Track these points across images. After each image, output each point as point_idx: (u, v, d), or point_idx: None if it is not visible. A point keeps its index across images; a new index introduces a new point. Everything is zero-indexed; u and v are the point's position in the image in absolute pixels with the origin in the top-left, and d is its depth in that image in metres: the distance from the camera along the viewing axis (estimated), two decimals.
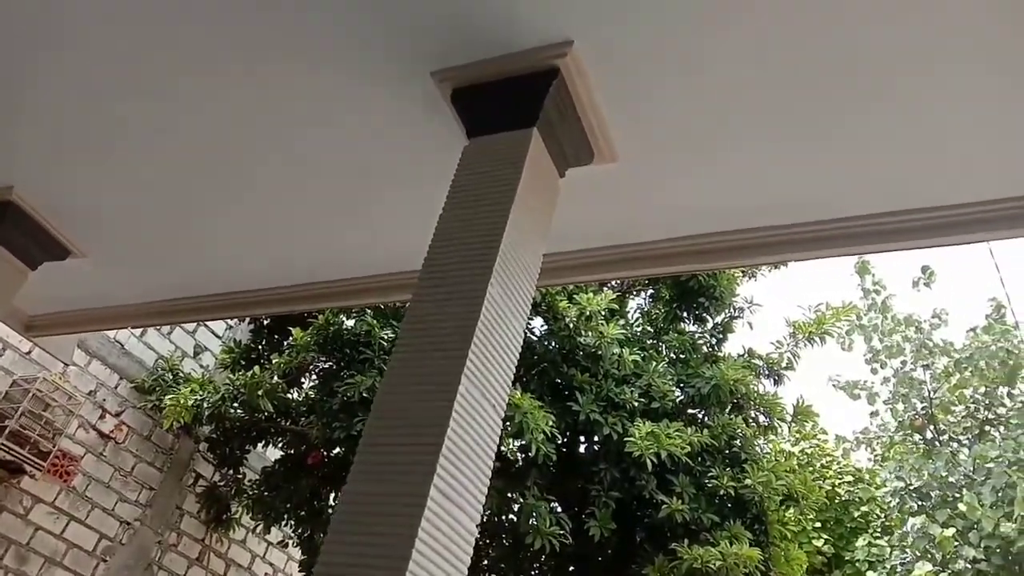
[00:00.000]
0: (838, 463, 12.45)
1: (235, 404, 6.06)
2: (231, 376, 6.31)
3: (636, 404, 5.37)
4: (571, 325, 5.49)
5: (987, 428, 10.69)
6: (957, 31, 1.67)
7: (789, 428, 6.73)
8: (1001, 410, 10.75)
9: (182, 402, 6.06)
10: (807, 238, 2.32)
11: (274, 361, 6.07)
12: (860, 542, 10.87)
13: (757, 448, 5.91)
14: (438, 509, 1.35)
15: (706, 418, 5.81)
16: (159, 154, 2.58)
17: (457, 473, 1.43)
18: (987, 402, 10.86)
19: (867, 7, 1.66)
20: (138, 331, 6.88)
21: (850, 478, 12.21)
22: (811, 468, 11.51)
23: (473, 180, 1.88)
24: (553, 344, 5.68)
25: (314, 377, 6.20)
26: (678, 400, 5.78)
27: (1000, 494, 8.99)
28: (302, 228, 2.88)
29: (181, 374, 6.91)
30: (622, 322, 6.03)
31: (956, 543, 9.02)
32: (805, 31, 1.73)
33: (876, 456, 12.52)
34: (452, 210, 1.85)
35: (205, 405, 6.06)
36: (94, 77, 2.30)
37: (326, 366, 5.99)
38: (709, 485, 5.33)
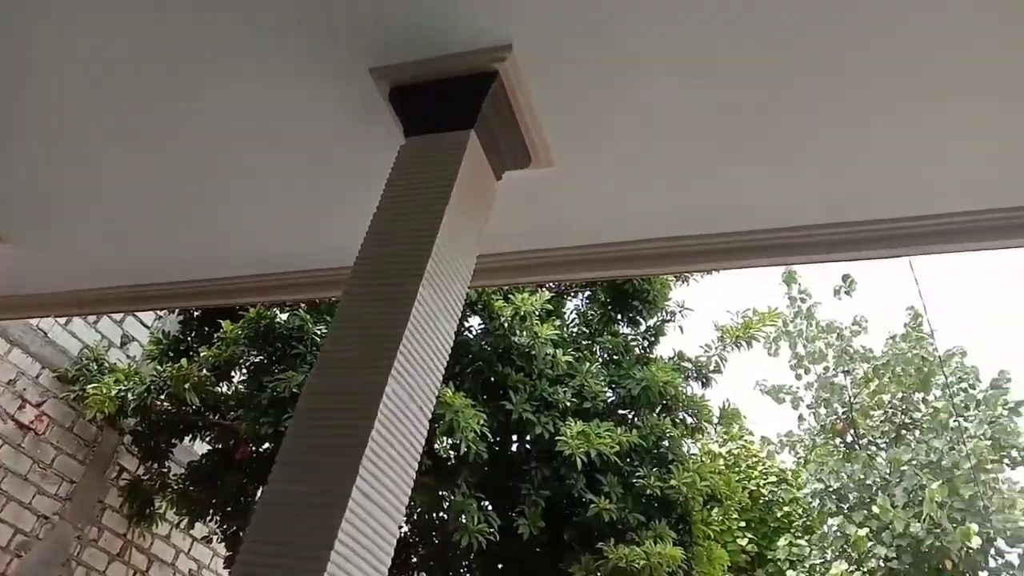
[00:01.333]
0: (763, 464, 12.82)
1: (162, 396, 5.92)
2: (158, 368, 6.16)
3: (568, 404, 5.44)
4: (506, 325, 5.53)
5: (903, 432, 11.15)
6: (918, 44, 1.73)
7: (715, 430, 6.91)
8: (916, 415, 11.23)
9: (106, 392, 5.88)
10: (736, 247, 2.37)
11: (203, 354, 5.94)
12: (782, 541, 11.23)
13: (684, 449, 6.05)
14: (360, 511, 1.35)
15: (636, 419, 5.93)
16: (87, 142, 2.50)
17: (381, 475, 1.42)
18: (903, 407, 11.33)
19: (789, 14, 1.71)
20: (63, 319, 6.64)
21: (774, 479, 12.60)
22: (737, 469, 11.82)
23: (408, 180, 1.87)
24: (488, 343, 5.70)
25: (244, 371, 6.09)
26: (609, 401, 5.87)
27: (912, 495, 9.40)
28: (235, 221, 2.82)
29: (106, 364, 6.70)
30: (557, 323, 6.10)
31: (870, 542, 9.40)
32: (742, 40, 1.76)
33: (799, 458, 12.94)
34: (386, 209, 1.84)
35: (130, 397, 5.89)
36: (14, 61, 2.21)
37: (257, 360, 5.89)
38: (636, 485, 5.43)
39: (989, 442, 10.12)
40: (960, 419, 10.43)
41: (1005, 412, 10.48)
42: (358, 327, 1.63)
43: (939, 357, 10.59)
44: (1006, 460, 10.22)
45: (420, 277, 1.63)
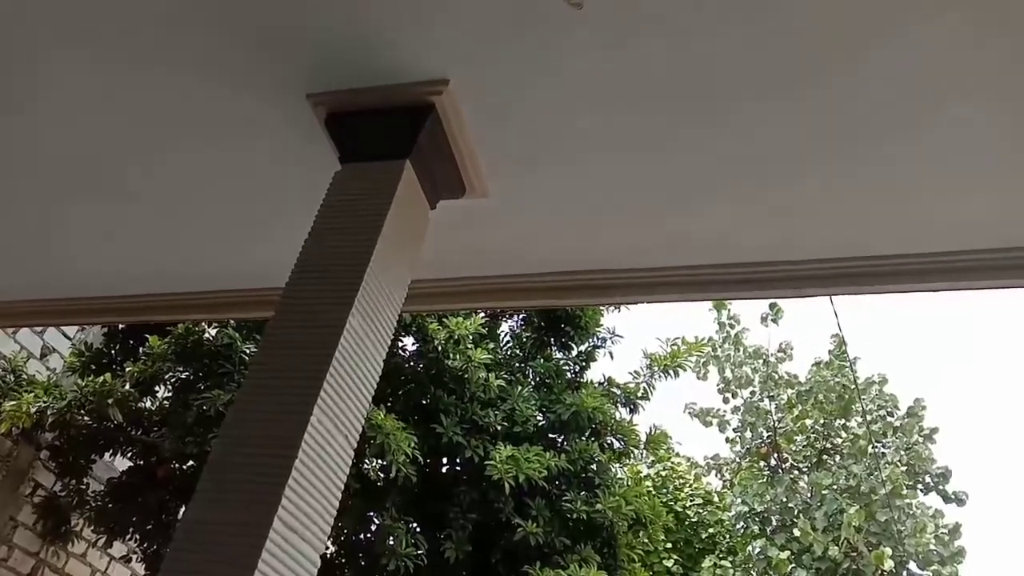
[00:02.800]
0: (690, 486, 13.04)
1: (82, 411, 5.71)
2: (80, 382, 5.95)
3: (499, 428, 5.48)
4: (440, 348, 5.54)
5: (824, 457, 11.48)
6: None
7: (642, 454, 7.03)
8: (837, 440, 11.58)
9: (24, 409, 5.65)
10: (668, 281, 2.44)
11: (127, 369, 5.78)
12: (706, 563, 11.42)
13: (612, 473, 6.14)
14: (280, 541, 1.35)
15: (565, 443, 5.99)
16: (16, 153, 2.43)
17: (303, 504, 1.43)
18: (825, 433, 11.67)
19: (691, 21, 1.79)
20: None
21: (700, 500, 12.82)
22: (664, 490, 12.01)
23: (342, 207, 1.89)
24: (421, 365, 5.70)
25: (169, 386, 5.94)
26: (540, 425, 5.92)
27: (832, 519, 9.69)
28: (165, 237, 2.77)
29: (25, 376, 6.44)
30: (491, 345, 6.14)
31: (791, 565, 9.64)
32: (680, 73, 1.82)
33: (726, 481, 13.21)
34: (318, 235, 1.85)
35: (49, 412, 5.68)
36: None
37: (183, 376, 5.75)
38: (564, 509, 5.49)
39: (905, 468, 10.53)
40: (879, 445, 10.82)
41: (920, 439, 10.91)
42: (285, 355, 1.63)
43: (857, 386, 10.98)
44: (920, 485, 10.64)
45: (350, 306, 1.64)
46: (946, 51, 1.62)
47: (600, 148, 2.05)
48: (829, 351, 11.81)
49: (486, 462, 5.21)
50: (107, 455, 6.33)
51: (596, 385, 6.47)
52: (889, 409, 11.36)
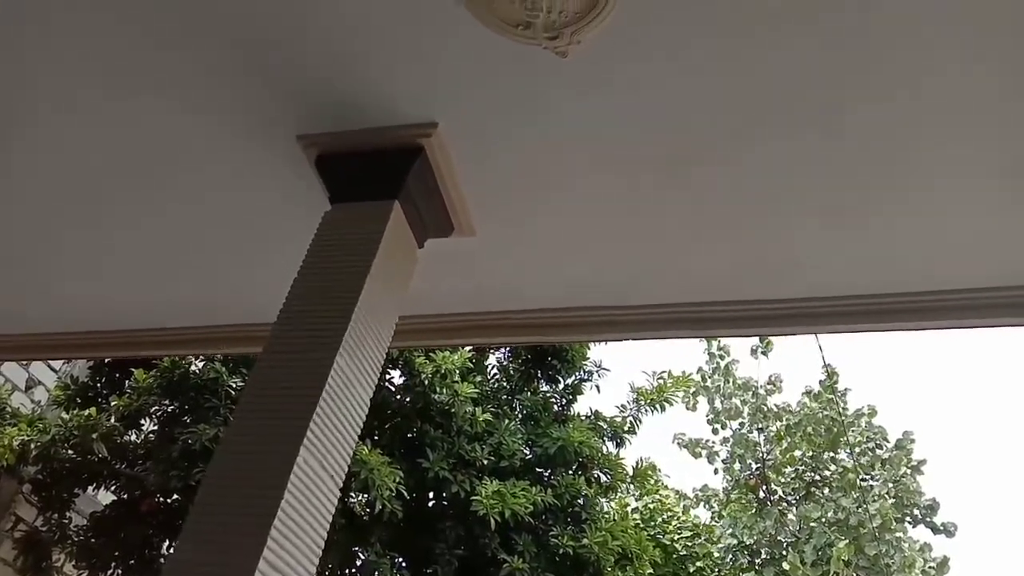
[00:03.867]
0: (678, 519, 12.96)
1: (66, 445, 5.67)
2: (64, 415, 5.91)
3: (486, 462, 5.47)
4: (427, 382, 5.54)
5: (813, 490, 11.46)
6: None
7: (628, 488, 7.01)
8: (826, 473, 11.57)
9: (7, 443, 5.60)
10: (651, 319, 2.47)
11: (113, 403, 5.74)
12: None
13: (599, 507, 6.12)
14: None
15: (552, 477, 5.98)
16: (11, 192, 2.45)
17: (289, 545, 1.43)
18: (813, 465, 11.67)
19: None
20: None
21: (689, 533, 12.73)
22: (652, 523, 11.93)
23: (331, 247, 1.91)
24: (408, 399, 5.70)
25: (154, 420, 5.90)
26: (526, 459, 5.91)
27: (820, 553, 9.66)
28: (154, 273, 2.78)
29: (9, 409, 6.38)
30: (479, 378, 6.14)
31: None
32: (653, 117, 1.87)
33: (714, 512, 13.14)
34: (307, 275, 1.86)
35: (33, 445, 5.62)
36: None
37: (168, 409, 5.72)
38: (550, 544, 5.46)
39: (893, 501, 10.52)
40: (867, 477, 10.83)
41: (908, 471, 10.92)
42: (273, 394, 1.64)
43: (844, 420, 11.00)
44: (908, 518, 10.63)
45: (337, 346, 1.66)
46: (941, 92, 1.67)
47: (587, 189, 2.08)
48: (820, 382, 11.84)
49: (472, 497, 5.20)
50: (90, 489, 6.27)
51: (583, 419, 6.48)
52: (878, 441, 11.38)
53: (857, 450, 11.14)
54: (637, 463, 6.75)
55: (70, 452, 5.77)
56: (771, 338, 12.10)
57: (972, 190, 1.88)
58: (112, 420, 5.70)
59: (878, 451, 11.26)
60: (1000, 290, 2.09)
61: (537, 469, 6.02)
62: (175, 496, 5.49)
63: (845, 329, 2.37)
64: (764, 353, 12.08)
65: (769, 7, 1.55)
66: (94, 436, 5.45)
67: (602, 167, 1.99)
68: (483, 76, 1.81)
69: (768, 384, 12.14)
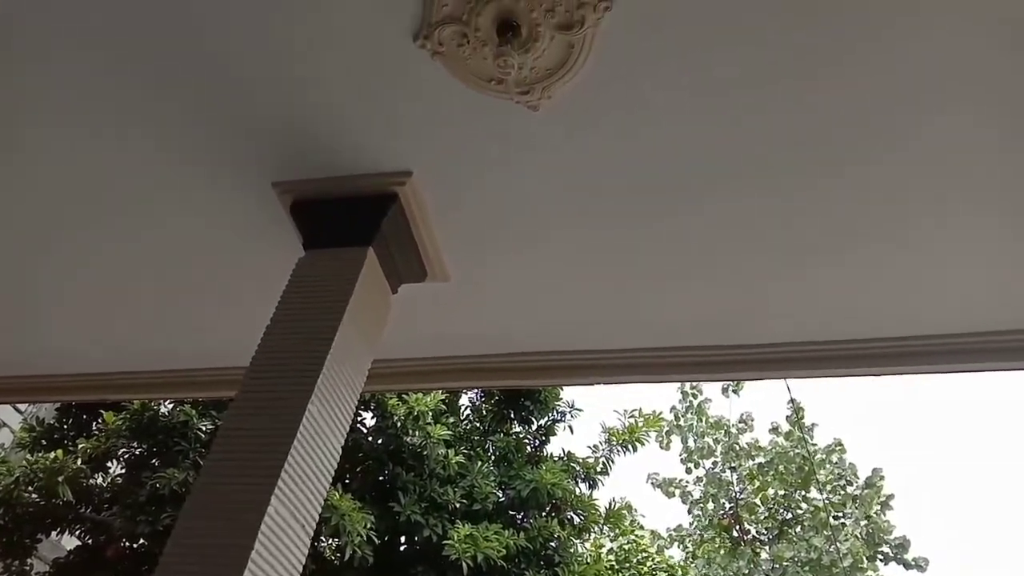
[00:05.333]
0: (653, 559, 12.87)
1: (30, 488, 5.53)
2: (29, 457, 5.77)
3: (458, 505, 5.42)
4: (399, 424, 5.50)
5: (785, 529, 11.48)
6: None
7: (603, 528, 6.98)
8: (798, 511, 11.60)
9: None
10: (625, 363, 2.49)
11: (80, 446, 5.62)
12: None
13: (572, 549, 6.07)
14: None
15: (524, 520, 5.93)
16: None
17: None
18: (786, 504, 11.69)
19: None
20: None
21: (664, 574, 12.64)
22: (627, 564, 11.84)
23: (305, 292, 1.91)
24: (380, 441, 5.65)
25: (122, 463, 5.78)
26: (499, 501, 5.87)
27: None
28: (126, 316, 2.76)
29: None
30: (452, 420, 6.11)
31: None
32: (620, 169, 1.91)
33: (688, 552, 13.07)
34: (281, 320, 1.86)
35: None
36: None
37: (137, 452, 5.61)
38: None
39: (864, 540, 10.56)
40: (839, 516, 10.87)
41: (878, 507, 10.99)
42: (244, 443, 1.63)
43: (812, 461, 11.07)
44: (879, 556, 10.67)
45: (310, 394, 1.66)
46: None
47: (559, 237, 2.11)
48: (787, 418, 11.92)
49: (444, 541, 5.15)
50: (54, 534, 6.10)
51: (556, 460, 6.46)
52: (848, 478, 11.45)
53: (828, 488, 11.20)
54: (611, 503, 6.72)
55: (34, 496, 5.63)
56: None
57: (959, 239, 1.92)
58: (78, 462, 5.57)
59: (848, 488, 11.32)
60: (985, 335, 2.14)
61: (510, 512, 5.97)
62: (142, 541, 5.37)
63: (819, 374, 2.42)
64: (735, 391, 12.17)
65: (743, 76, 1.61)
66: (60, 479, 5.32)
67: (574, 216, 2.03)
68: (457, 127, 1.84)
69: (740, 423, 12.20)
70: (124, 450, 5.65)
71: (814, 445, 11.56)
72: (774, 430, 11.94)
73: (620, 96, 1.69)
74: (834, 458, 11.55)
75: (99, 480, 5.96)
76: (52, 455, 5.54)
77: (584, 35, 1.54)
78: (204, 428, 5.47)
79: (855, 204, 1.87)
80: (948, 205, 1.83)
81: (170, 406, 5.60)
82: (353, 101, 1.83)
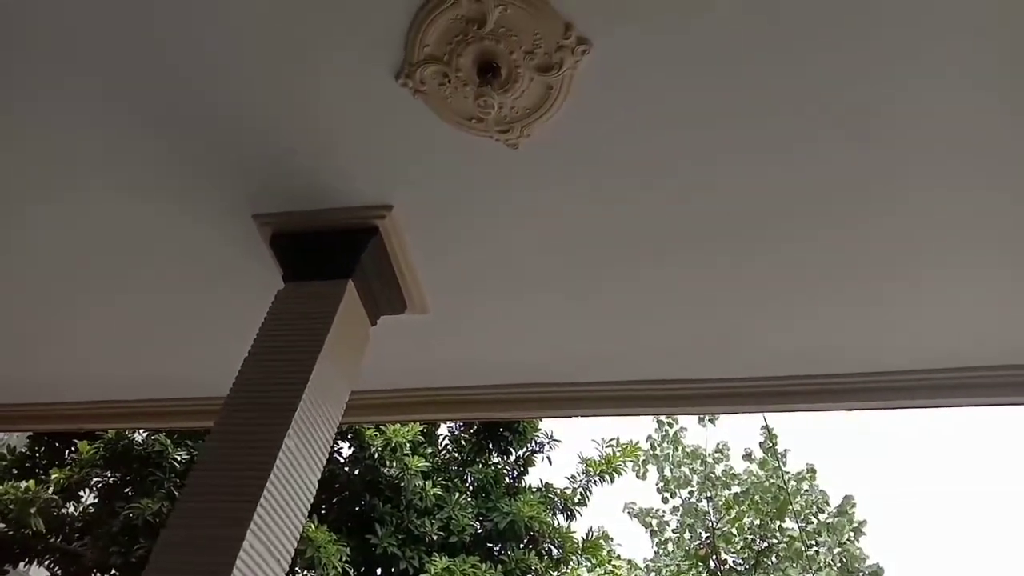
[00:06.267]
0: None
1: (0, 518, 5.41)
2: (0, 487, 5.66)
3: (435, 537, 5.38)
4: (376, 455, 5.47)
5: (762, 558, 11.46)
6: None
7: (579, 560, 6.95)
8: (773, 541, 11.60)
9: None
10: (603, 396, 2.51)
11: (53, 476, 5.52)
12: None
13: None
14: None
15: (502, 552, 5.90)
16: None
17: None
18: (762, 534, 11.69)
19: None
20: None
21: None
22: None
23: (283, 325, 1.91)
24: (357, 472, 5.61)
25: (95, 492, 5.68)
26: (477, 533, 5.83)
27: None
28: (106, 345, 2.74)
29: None
30: (430, 450, 6.08)
31: None
32: (596, 206, 1.94)
33: None
34: (259, 353, 1.86)
35: None
36: None
37: (110, 481, 5.52)
38: None
39: (838, 568, 10.58)
40: (813, 544, 10.88)
41: (851, 534, 11.04)
42: (220, 476, 1.62)
43: (787, 491, 11.11)
44: None
45: (287, 427, 1.65)
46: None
47: (538, 271, 2.14)
48: (760, 444, 11.96)
49: (421, 574, 5.10)
50: (22, 565, 5.96)
51: (534, 491, 6.44)
52: (820, 505, 11.49)
53: (801, 516, 11.23)
54: (589, 533, 6.71)
55: (2, 526, 5.51)
56: None
57: (959, 279, 1.96)
58: (50, 491, 5.47)
59: (821, 515, 11.36)
60: (962, 371, 2.18)
61: (487, 544, 5.94)
62: (114, 572, 5.26)
63: (794, 408, 2.44)
64: (711, 421, 12.20)
65: (729, 122, 1.65)
66: (31, 510, 5.21)
67: (554, 251, 2.05)
68: (437, 161, 1.87)
69: (716, 452, 12.23)
70: (97, 479, 5.56)
71: (786, 472, 11.61)
72: (747, 456, 11.98)
73: (602, 134, 1.73)
74: (806, 485, 11.60)
75: (71, 509, 5.85)
76: (24, 485, 5.43)
77: (562, 77, 1.57)
78: (179, 458, 5.40)
79: (831, 253, 1.92)
80: (937, 245, 1.88)
81: (145, 435, 5.53)
82: (335, 136, 1.85)
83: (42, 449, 6.11)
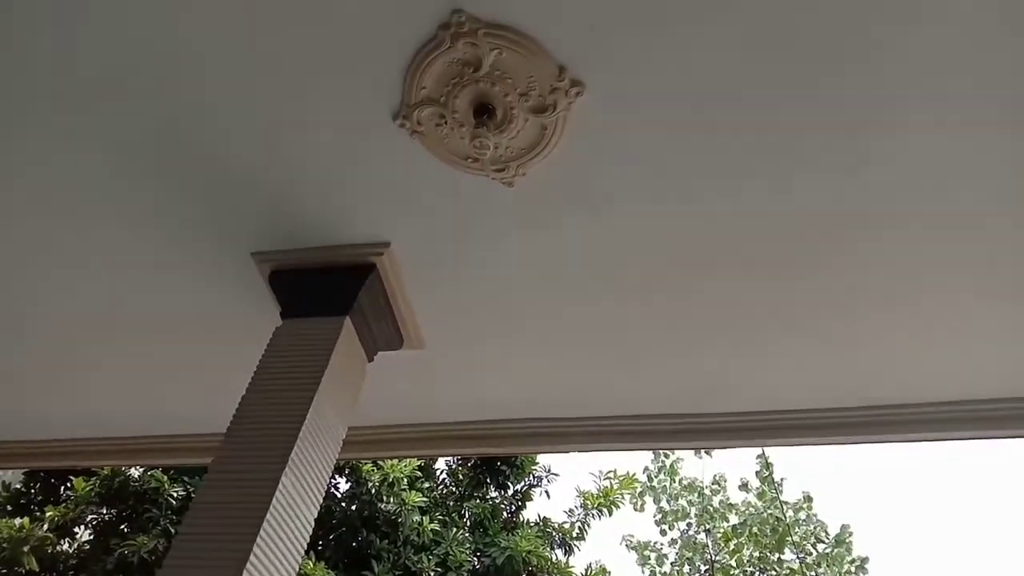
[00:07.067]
0: None
1: None
2: None
3: (432, 573, 5.32)
4: (374, 490, 5.43)
5: None
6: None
7: None
8: (772, 573, 11.48)
9: None
10: (597, 431, 2.51)
11: (48, 513, 5.46)
12: None
13: None
14: None
15: None
16: None
17: None
18: (761, 566, 11.57)
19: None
20: None
21: None
22: None
23: (281, 362, 1.92)
24: (354, 507, 5.56)
25: (90, 528, 5.62)
26: (475, 569, 5.78)
27: None
28: (105, 380, 2.73)
29: None
30: (427, 485, 6.04)
31: None
32: (590, 244, 1.96)
33: None
34: (256, 390, 1.86)
35: None
36: None
37: (106, 517, 5.46)
38: None
39: None
40: (814, 574, 10.76)
41: (852, 569, 10.91)
42: (217, 515, 1.62)
43: (785, 522, 11.01)
44: None
45: (284, 465, 1.65)
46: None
47: (535, 309, 2.15)
48: (756, 472, 11.87)
49: None
50: None
51: (532, 525, 6.39)
52: (819, 535, 11.38)
53: (801, 547, 11.12)
54: (588, 568, 6.63)
55: None
56: None
57: (955, 315, 1.98)
58: (45, 528, 5.41)
59: (820, 545, 11.25)
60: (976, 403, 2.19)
61: None
62: None
63: (794, 442, 2.44)
64: (708, 452, 12.12)
65: (720, 162, 1.68)
66: (25, 549, 5.15)
67: (550, 290, 2.07)
68: (434, 200, 1.89)
69: (713, 484, 12.14)
70: (93, 516, 5.50)
71: (784, 502, 11.52)
72: (744, 486, 11.89)
73: (593, 175, 1.75)
74: (803, 515, 11.50)
75: (65, 546, 5.79)
76: (18, 522, 5.37)
77: (556, 118, 1.61)
78: (175, 494, 5.35)
79: (826, 290, 1.95)
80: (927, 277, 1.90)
81: (141, 470, 5.48)
82: (333, 175, 1.88)
83: (37, 486, 6.05)
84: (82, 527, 5.66)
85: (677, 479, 12.11)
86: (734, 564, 11.58)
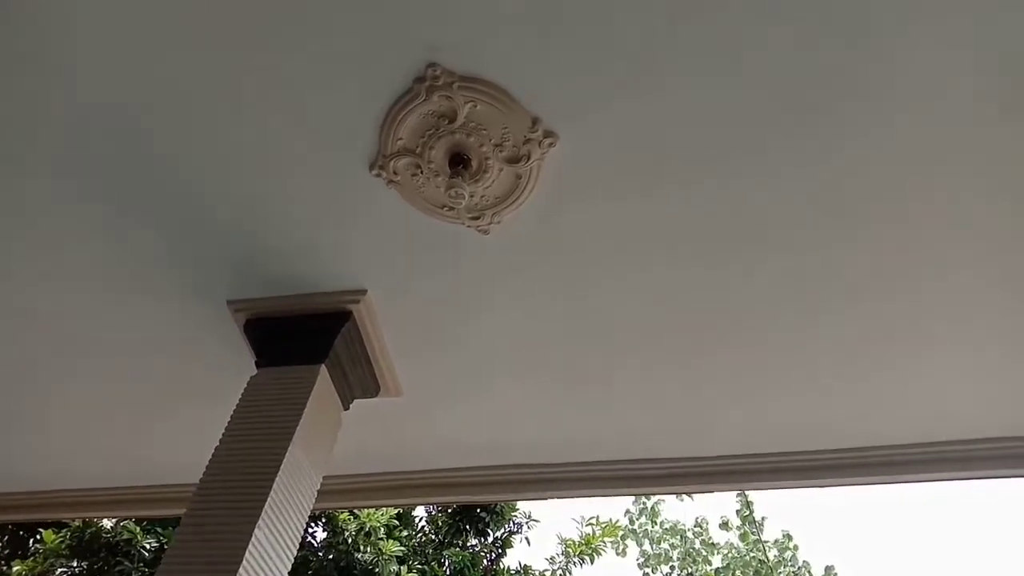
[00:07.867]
0: None
1: None
2: None
3: None
4: (350, 540, 5.33)
5: None
6: None
7: None
8: None
9: None
10: (581, 476, 2.50)
11: (15, 568, 5.30)
12: None
13: None
14: None
15: None
16: None
17: None
18: None
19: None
20: None
21: None
22: None
23: (255, 412, 1.89)
24: (331, 557, 5.45)
25: None
26: None
27: None
28: (76, 430, 2.68)
29: None
30: (405, 533, 5.93)
31: None
32: (567, 291, 1.97)
33: None
34: (230, 440, 1.83)
35: None
36: None
37: (76, 570, 5.31)
38: None
39: None
40: None
41: None
42: (188, 569, 1.59)
43: (768, 564, 10.93)
44: None
45: (257, 518, 1.62)
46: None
47: (513, 357, 2.15)
48: (736, 511, 11.80)
49: None
50: None
51: (512, 574, 6.28)
52: None
53: None
54: None
55: None
56: None
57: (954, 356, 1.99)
58: None
59: None
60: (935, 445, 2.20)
61: None
62: None
63: (772, 486, 2.43)
64: (688, 494, 12.04)
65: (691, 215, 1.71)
66: None
67: (525, 334, 2.07)
68: (411, 248, 1.89)
69: (695, 527, 12.04)
70: (63, 569, 5.35)
71: (766, 543, 11.44)
72: (724, 525, 11.81)
73: (567, 223, 1.77)
74: (788, 555, 11.41)
75: None
76: None
77: (530, 167, 1.63)
78: (148, 546, 5.22)
79: (813, 338, 1.97)
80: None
81: (112, 522, 5.36)
82: (310, 223, 1.89)
83: (5, 539, 5.89)
84: None
85: (659, 521, 12.01)
86: None
